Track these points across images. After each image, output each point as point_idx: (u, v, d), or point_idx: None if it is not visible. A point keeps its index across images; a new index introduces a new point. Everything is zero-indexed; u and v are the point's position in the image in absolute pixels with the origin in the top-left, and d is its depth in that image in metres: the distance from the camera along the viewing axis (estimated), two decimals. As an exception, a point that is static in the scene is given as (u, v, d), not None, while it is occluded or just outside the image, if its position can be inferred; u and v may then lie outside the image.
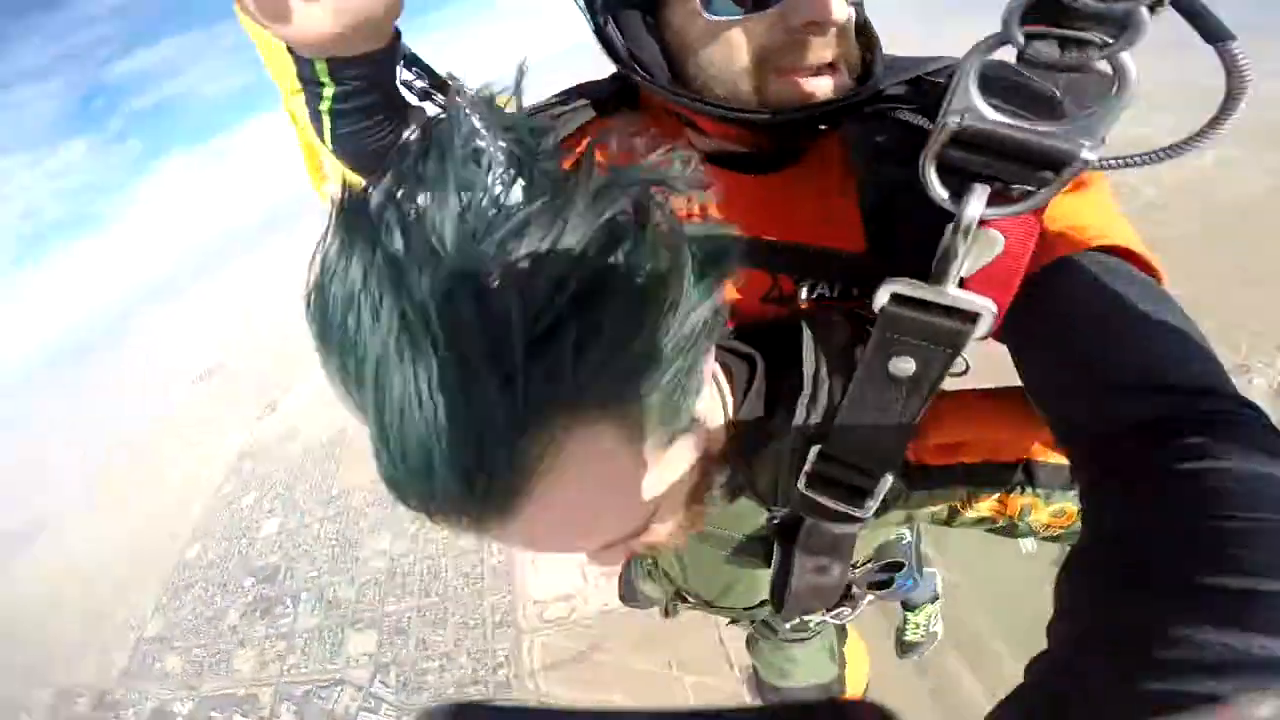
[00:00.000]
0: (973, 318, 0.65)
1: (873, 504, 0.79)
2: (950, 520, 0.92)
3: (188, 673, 51.90)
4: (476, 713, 0.33)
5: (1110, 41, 0.54)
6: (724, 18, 0.80)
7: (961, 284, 0.67)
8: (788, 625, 1.55)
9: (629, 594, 2.05)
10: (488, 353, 0.43)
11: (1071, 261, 0.70)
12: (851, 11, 0.82)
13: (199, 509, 76.81)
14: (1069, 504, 0.80)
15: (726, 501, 0.96)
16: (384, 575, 49.51)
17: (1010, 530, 0.90)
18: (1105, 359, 0.61)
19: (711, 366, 0.70)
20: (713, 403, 0.77)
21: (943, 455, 0.84)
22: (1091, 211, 0.72)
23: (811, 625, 1.61)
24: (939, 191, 0.64)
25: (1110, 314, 0.63)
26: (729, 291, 0.73)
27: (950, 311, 0.66)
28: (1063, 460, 0.77)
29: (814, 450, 0.80)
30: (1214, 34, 0.55)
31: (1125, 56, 0.55)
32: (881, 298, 0.68)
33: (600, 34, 0.90)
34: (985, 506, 0.86)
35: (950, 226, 0.63)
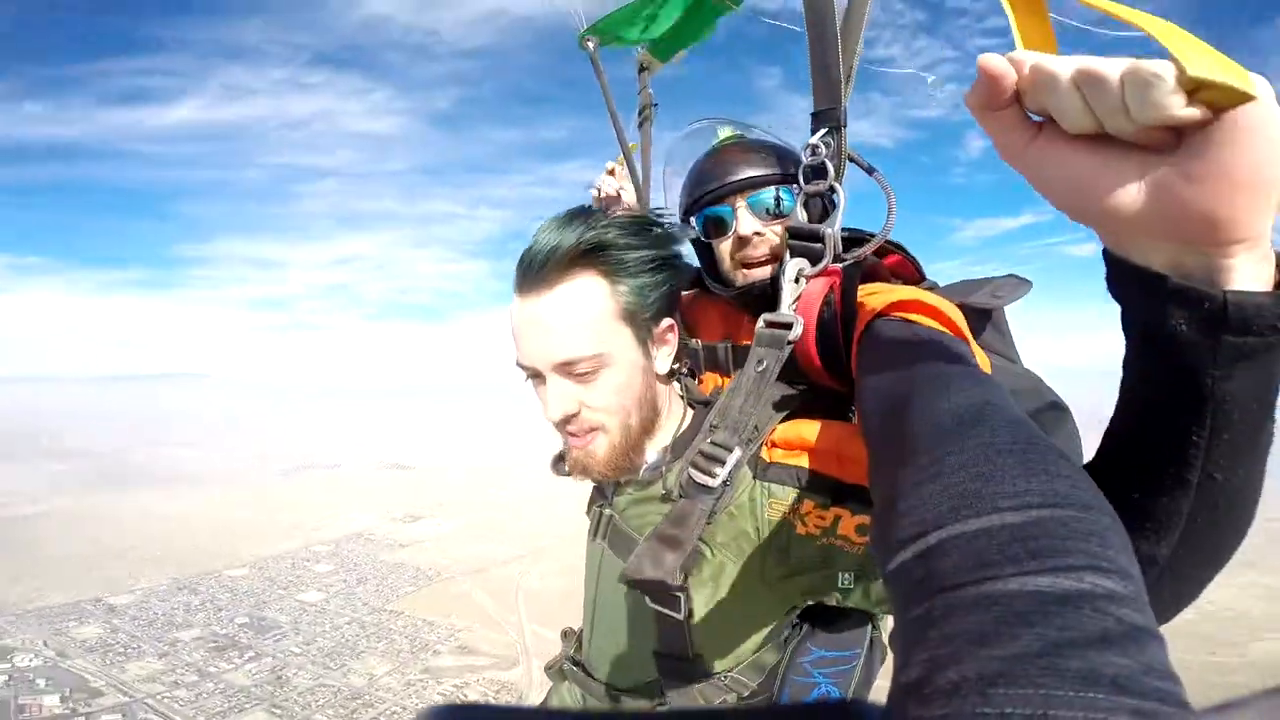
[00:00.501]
0: (789, 325, 1.21)
1: (721, 472, 1.18)
2: (790, 553, 1.21)
3: (84, 643, 47.08)
4: (477, 713, 0.35)
5: (834, 183, 1.32)
6: (712, 241, 1.54)
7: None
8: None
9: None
10: (569, 225, 1.21)
11: (868, 329, 1.15)
12: (760, 228, 1.47)
13: (282, 549, 76.45)
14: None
15: (640, 489, 1.40)
16: (348, 692, 41.69)
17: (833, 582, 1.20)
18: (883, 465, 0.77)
19: (671, 329, 1.34)
20: (665, 363, 1.34)
21: (787, 454, 1.20)
22: (885, 290, 1.21)
23: None
24: (786, 258, 1.31)
25: (888, 388, 0.91)
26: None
27: (780, 325, 1.22)
28: None
29: (708, 437, 1.24)
30: (868, 169, 1.34)
31: (838, 187, 1.31)
32: (758, 325, 1.25)
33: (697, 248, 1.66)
34: (811, 520, 1.17)
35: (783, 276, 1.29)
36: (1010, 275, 1.51)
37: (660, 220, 1.40)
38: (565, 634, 1.87)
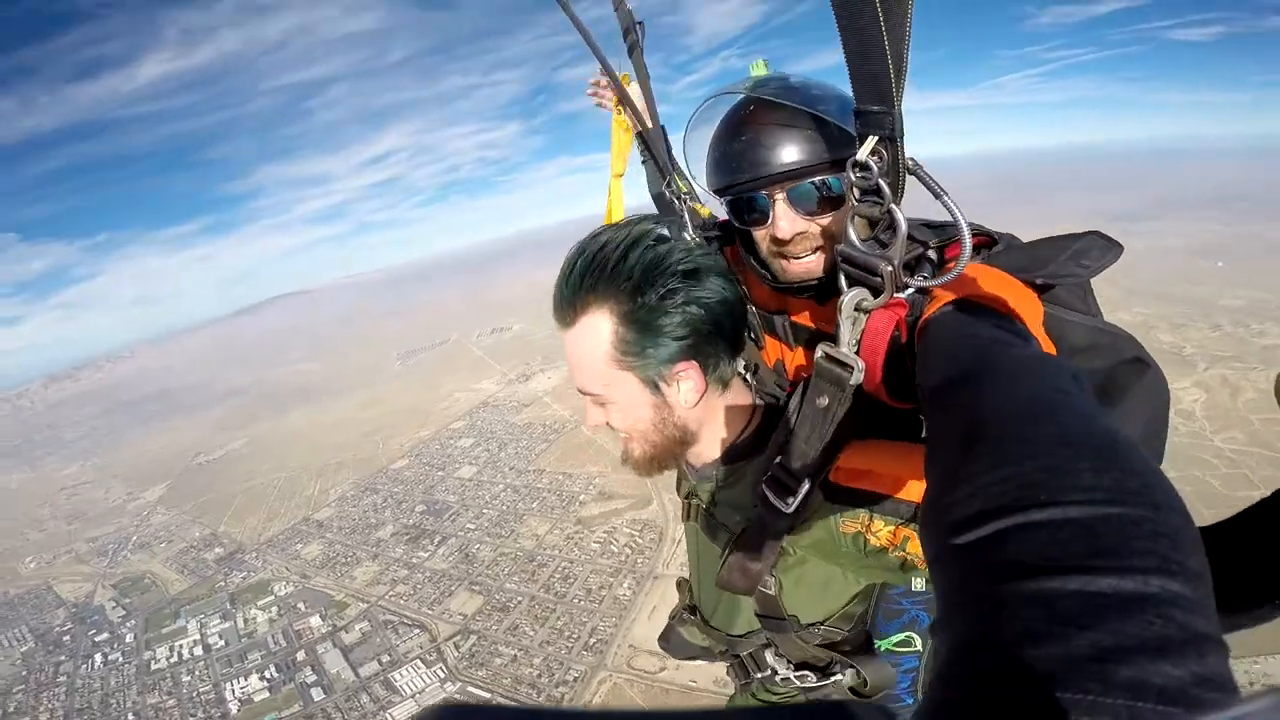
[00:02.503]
0: (849, 368, 1.15)
1: (794, 501, 1.23)
2: (866, 553, 1.28)
3: (315, 561, 56.01)
4: (476, 713, 0.35)
5: (891, 206, 1.13)
6: (747, 228, 1.58)
7: (857, 352, 1.18)
8: (759, 675, 1.79)
9: (670, 641, 2.16)
10: (592, 271, 1.29)
11: (930, 321, 1.11)
12: (803, 227, 1.48)
13: (427, 433, 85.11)
14: None
15: (713, 492, 1.57)
16: (523, 555, 49.26)
17: (903, 568, 1.27)
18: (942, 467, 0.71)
19: (689, 369, 1.35)
20: (688, 397, 1.37)
21: (852, 479, 1.23)
22: (950, 285, 1.14)
23: (778, 680, 1.75)
24: (843, 287, 1.20)
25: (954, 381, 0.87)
26: (794, 358, 1.74)
27: (841, 364, 1.17)
28: None
29: (776, 459, 1.28)
30: (935, 192, 1.10)
31: (896, 212, 1.13)
32: (817, 354, 1.20)
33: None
34: (883, 534, 1.23)
35: (840, 309, 1.19)
36: (1093, 233, 1.29)
37: (682, 260, 1.26)
38: (679, 584, 2.06)
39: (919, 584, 1.27)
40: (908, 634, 1.67)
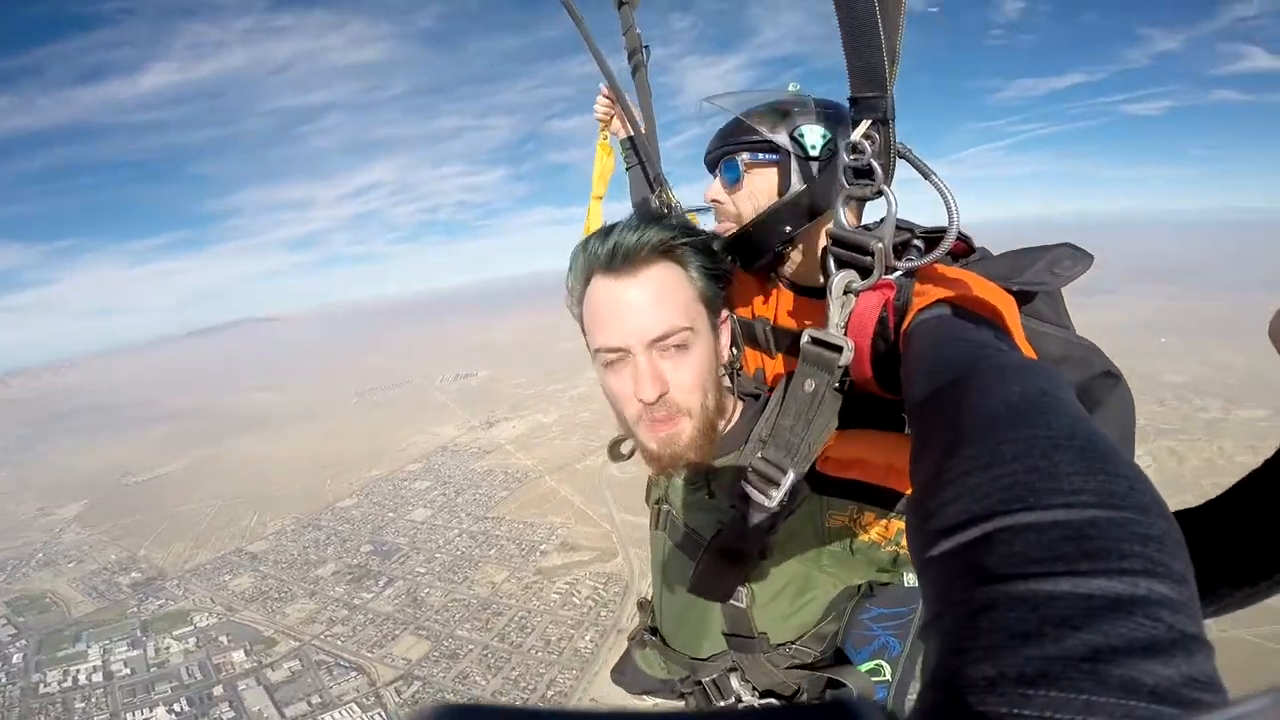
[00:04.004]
0: (838, 349, 1.13)
1: (777, 493, 1.17)
2: (854, 549, 1.26)
3: (244, 594, 52.40)
4: (476, 713, 0.34)
5: (883, 187, 1.14)
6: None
7: (845, 334, 1.17)
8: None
9: (625, 673, 2.11)
10: (651, 225, 1.31)
11: (916, 321, 1.10)
12: (719, 195, 1.66)
13: (380, 473, 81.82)
14: None
15: (690, 489, 1.52)
16: (477, 603, 46.07)
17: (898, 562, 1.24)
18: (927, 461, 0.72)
19: (728, 321, 1.43)
20: (726, 350, 1.43)
21: (841, 469, 1.20)
22: (937, 283, 1.16)
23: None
24: (832, 270, 1.19)
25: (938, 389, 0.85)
26: (774, 365, 1.76)
27: (829, 346, 1.15)
28: None
29: (759, 451, 1.24)
30: (924, 172, 1.14)
31: (889, 191, 1.14)
32: (804, 339, 1.18)
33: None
34: (874, 530, 1.20)
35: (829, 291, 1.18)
36: (1065, 244, 1.40)
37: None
38: (641, 604, 1.95)
39: (910, 578, 1.25)
40: (877, 662, 1.54)
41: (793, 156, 1.52)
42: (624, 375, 1.30)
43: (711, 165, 1.69)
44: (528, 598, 50.05)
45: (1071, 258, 1.34)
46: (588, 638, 43.96)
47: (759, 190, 1.59)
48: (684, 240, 1.30)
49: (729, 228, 1.65)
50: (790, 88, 1.63)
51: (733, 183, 1.62)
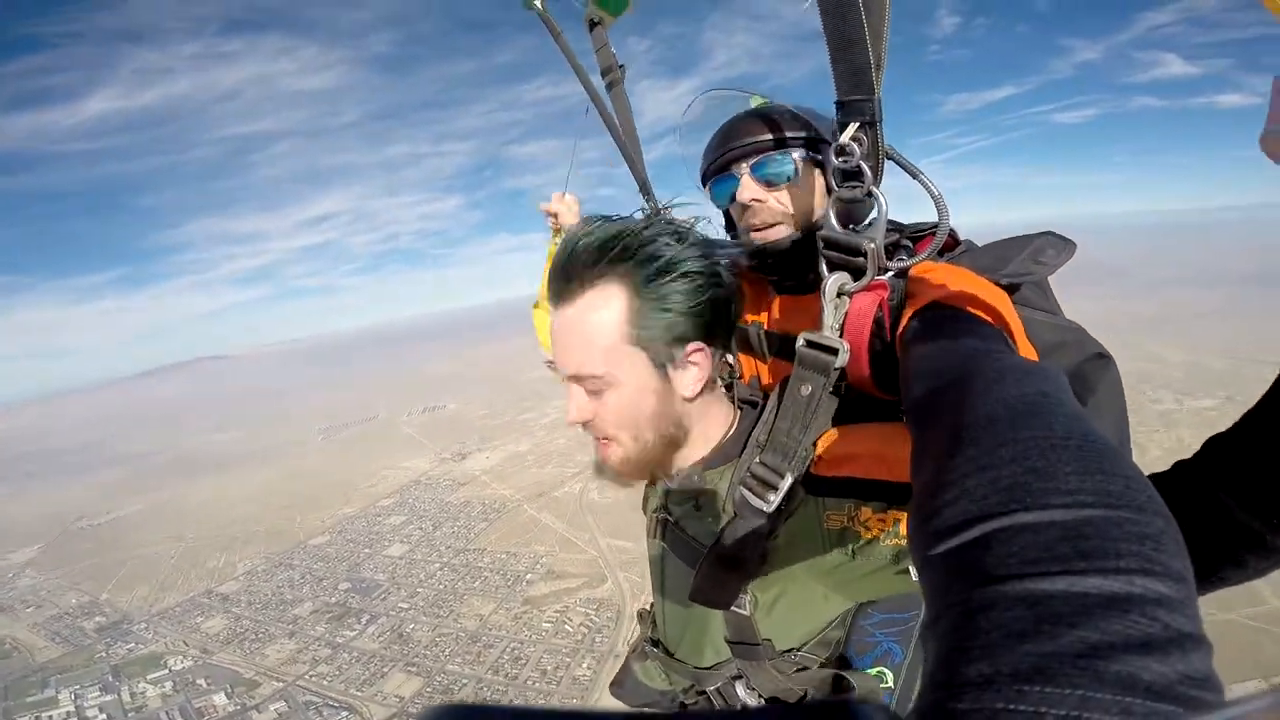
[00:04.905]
0: (834, 351, 1.15)
1: (775, 497, 1.19)
2: (854, 553, 1.21)
3: (218, 636, 50.86)
4: (476, 713, 0.34)
5: (872, 188, 1.16)
6: (724, 206, 1.64)
7: (841, 335, 1.20)
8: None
9: (624, 686, 2.04)
10: (597, 234, 1.19)
11: (913, 321, 1.12)
12: (763, 194, 1.51)
13: (352, 510, 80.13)
14: None
15: (693, 506, 1.44)
16: (466, 636, 45.41)
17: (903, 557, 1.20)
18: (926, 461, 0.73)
19: (700, 352, 1.25)
20: (690, 387, 1.27)
21: (834, 467, 1.19)
22: (932, 284, 1.17)
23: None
24: (825, 274, 1.21)
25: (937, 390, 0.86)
26: (766, 370, 1.68)
27: (824, 348, 1.16)
28: None
29: (756, 456, 1.24)
30: (912, 172, 1.18)
31: (878, 192, 1.17)
32: (799, 343, 1.19)
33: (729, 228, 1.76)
34: (873, 521, 1.17)
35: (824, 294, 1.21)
36: (1048, 233, 1.42)
37: (691, 230, 1.28)
38: (641, 615, 1.91)
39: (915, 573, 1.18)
40: (880, 669, 1.52)
41: (826, 161, 1.49)
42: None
43: (737, 160, 1.55)
44: (518, 628, 49.21)
45: (1055, 246, 1.39)
46: (585, 665, 43.35)
47: (812, 192, 1.53)
48: (637, 255, 1.20)
49: (776, 231, 1.55)
50: (753, 98, 1.69)
51: (783, 180, 1.51)
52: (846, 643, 1.46)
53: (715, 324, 1.26)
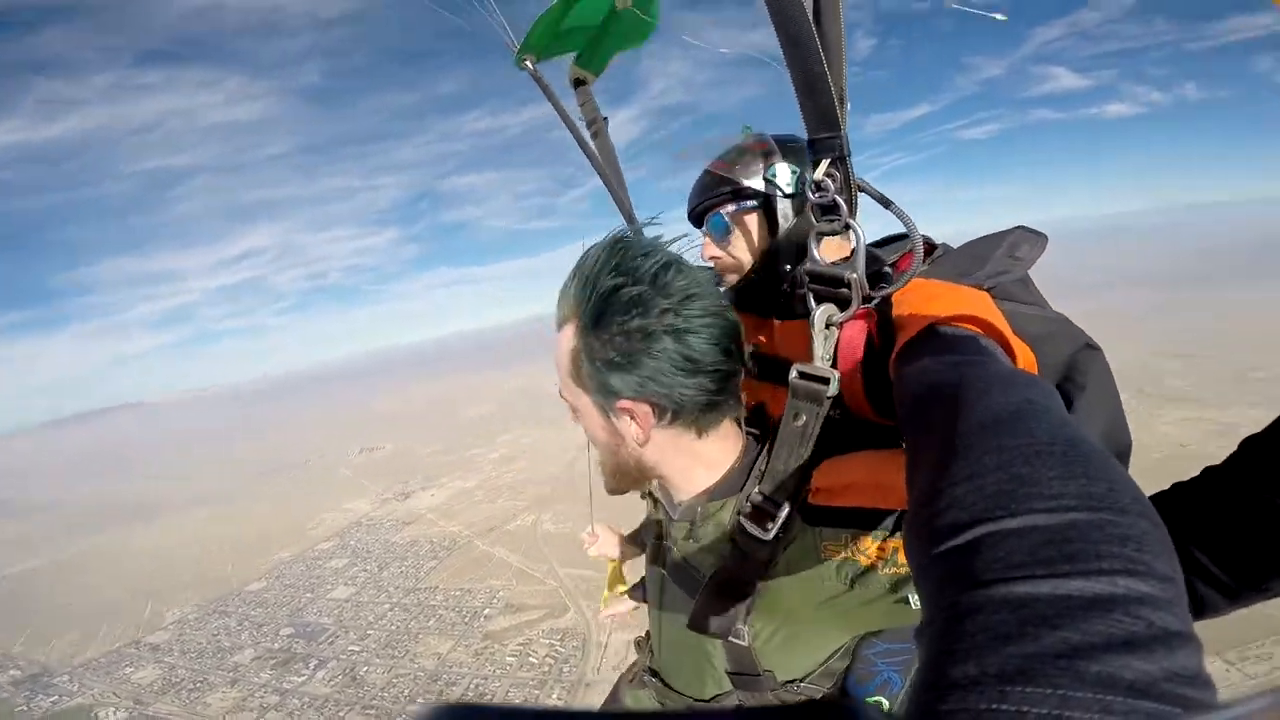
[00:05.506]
0: (825, 380, 1.15)
1: (773, 527, 1.20)
2: (852, 583, 1.21)
3: (152, 686, 48.03)
4: (476, 713, 0.35)
5: (849, 220, 1.22)
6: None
7: (833, 365, 1.21)
8: None
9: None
10: (574, 278, 1.23)
11: (899, 352, 1.11)
12: (717, 251, 1.67)
13: (289, 554, 76.77)
14: None
15: (693, 540, 1.41)
16: (425, 676, 44.13)
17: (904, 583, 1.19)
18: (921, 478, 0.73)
19: (630, 411, 1.23)
20: (634, 436, 1.26)
21: (831, 498, 1.19)
22: (916, 305, 1.18)
23: None
24: (811, 306, 1.23)
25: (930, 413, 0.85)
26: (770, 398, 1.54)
27: (815, 379, 1.17)
28: None
29: (755, 487, 1.26)
30: (884, 202, 1.24)
31: (855, 224, 1.22)
32: (791, 375, 1.19)
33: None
34: (871, 549, 1.17)
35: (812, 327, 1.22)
36: (1020, 228, 1.45)
37: (668, 289, 1.17)
38: (639, 643, 1.91)
39: (916, 600, 1.17)
40: (878, 699, 1.60)
41: (773, 198, 1.58)
42: None
43: (697, 221, 1.72)
44: (480, 664, 47.65)
45: (1029, 241, 1.43)
46: (555, 695, 42.31)
47: (750, 236, 1.63)
48: (579, 301, 1.21)
49: (731, 279, 1.69)
50: (743, 130, 1.73)
51: (723, 235, 1.66)
52: (848, 672, 1.49)
53: (675, 381, 1.19)
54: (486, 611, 56.05)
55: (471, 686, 45.05)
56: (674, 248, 1.28)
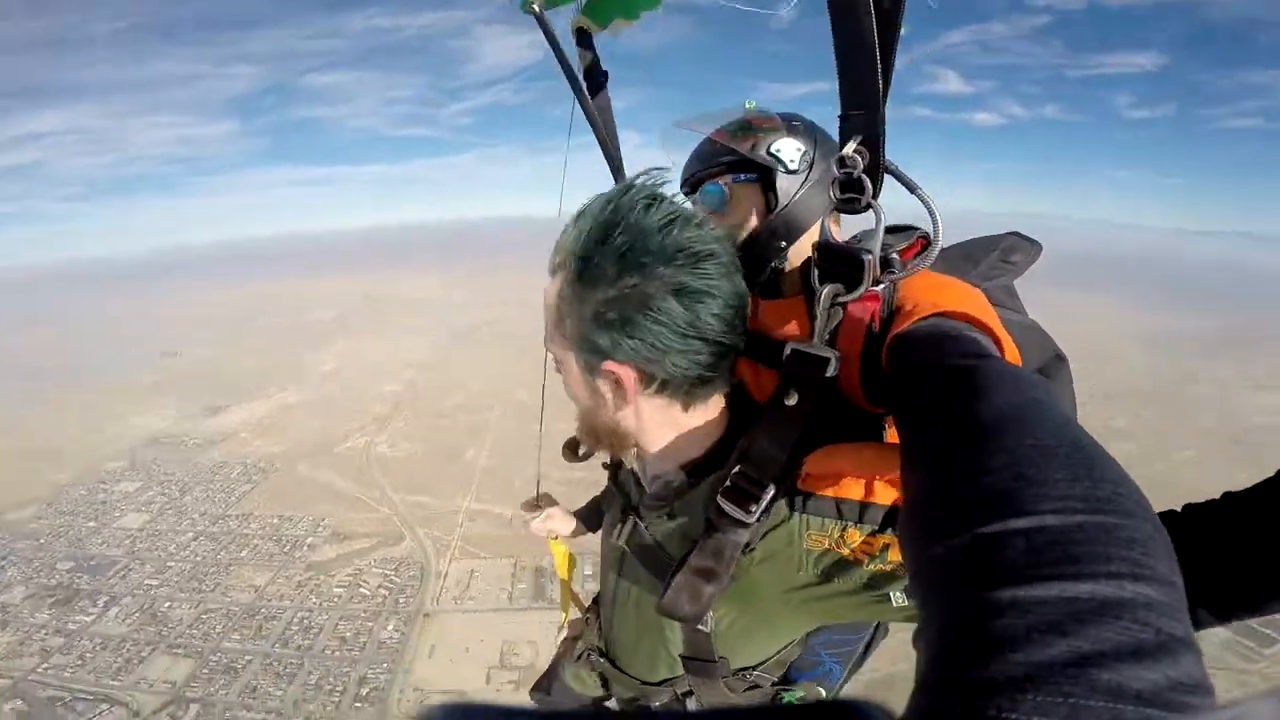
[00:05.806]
0: (824, 361, 1.08)
1: (756, 509, 1.13)
2: (831, 575, 1.16)
3: None
4: (476, 713, 0.35)
5: (871, 201, 1.15)
6: None
7: (832, 345, 1.15)
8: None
9: (550, 691, 2.04)
10: (570, 227, 1.15)
11: (899, 338, 1.11)
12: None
13: (67, 476, 67.41)
14: None
15: (666, 517, 1.36)
16: (240, 610, 41.19)
17: (887, 580, 1.14)
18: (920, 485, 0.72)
19: (613, 375, 1.17)
20: (614, 401, 1.21)
21: (821, 485, 1.13)
22: (921, 293, 1.18)
23: None
24: (816, 285, 1.17)
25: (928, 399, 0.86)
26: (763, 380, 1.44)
27: (814, 359, 1.09)
28: None
29: (738, 467, 1.17)
30: (910, 186, 1.16)
31: (877, 205, 1.16)
32: (786, 351, 1.12)
33: None
34: (858, 545, 1.11)
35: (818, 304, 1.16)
36: (1013, 234, 1.45)
37: (678, 243, 1.09)
38: (586, 621, 1.90)
39: (899, 598, 1.15)
40: (816, 688, 1.64)
41: (774, 173, 1.55)
42: None
43: (691, 188, 1.67)
44: (303, 596, 45.39)
45: (1022, 248, 1.44)
46: (390, 627, 41.48)
47: (747, 210, 1.60)
48: (570, 250, 1.14)
49: None
50: (747, 105, 1.70)
51: (718, 206, 1.62)
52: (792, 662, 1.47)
53: (669, 349, 1.13)
54: (310, 541, 53.30)
55: (296, 620, 43.00)
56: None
